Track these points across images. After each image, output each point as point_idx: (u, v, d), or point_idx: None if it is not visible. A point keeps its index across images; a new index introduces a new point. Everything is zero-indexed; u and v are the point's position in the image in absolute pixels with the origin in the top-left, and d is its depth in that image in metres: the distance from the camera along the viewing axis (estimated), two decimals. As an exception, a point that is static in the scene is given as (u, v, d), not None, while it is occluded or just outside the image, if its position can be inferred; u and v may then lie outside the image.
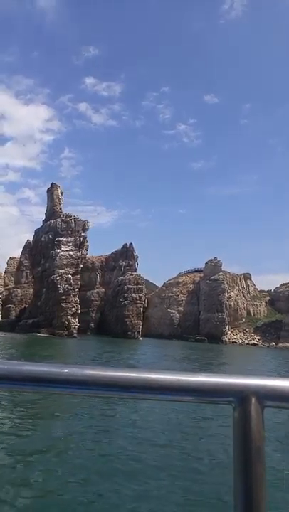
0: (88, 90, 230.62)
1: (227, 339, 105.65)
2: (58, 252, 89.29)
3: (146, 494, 7.63)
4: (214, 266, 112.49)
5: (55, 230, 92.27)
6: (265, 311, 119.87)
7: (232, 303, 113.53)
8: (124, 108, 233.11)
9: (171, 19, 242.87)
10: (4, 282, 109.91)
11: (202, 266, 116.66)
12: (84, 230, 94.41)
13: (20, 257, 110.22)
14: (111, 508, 7.11)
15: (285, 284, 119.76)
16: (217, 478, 8.45)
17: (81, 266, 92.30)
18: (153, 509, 7.15)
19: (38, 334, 79.21)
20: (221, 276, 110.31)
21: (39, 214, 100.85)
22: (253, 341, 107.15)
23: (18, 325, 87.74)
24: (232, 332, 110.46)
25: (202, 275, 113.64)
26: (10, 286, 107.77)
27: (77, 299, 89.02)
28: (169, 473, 8.79)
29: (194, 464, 9.49)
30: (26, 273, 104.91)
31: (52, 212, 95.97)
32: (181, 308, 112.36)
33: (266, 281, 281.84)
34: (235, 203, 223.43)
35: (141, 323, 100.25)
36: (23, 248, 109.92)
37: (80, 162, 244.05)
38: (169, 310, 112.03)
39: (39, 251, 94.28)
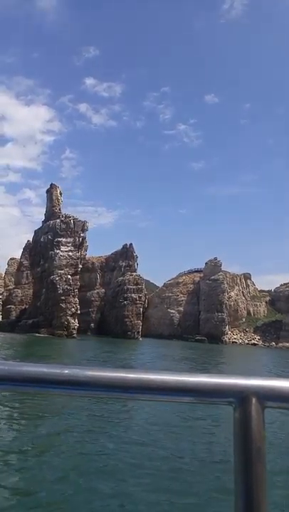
0: (89, 91, 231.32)
1: (227, 339, 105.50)
2: (57, 253, 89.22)
3: (147, 494, 7.55)
4: (214, 266, 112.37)
5: (55, 230, 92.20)
6: (265, 311, 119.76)
7: (232, 303, 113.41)
8: (125, 108, 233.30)
9: (172, 19, 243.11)
10: (5, 283, 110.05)
11: (202, 266, 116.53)
12: (83, 230, 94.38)
13: (21, 258, 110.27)
14: (114, 506, 7.06)
15: (285, 284, 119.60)
16: (217, 478, 8.37)
17: (80, 266, 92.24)
18: (154, 510, 7.08)
19: (38, 334, 79.07)
20: (221, 276, 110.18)
21: (40, 215, 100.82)
22: (253, 341, 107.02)
23: (17, 325, 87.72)
24: (232, 332, 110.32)
25: (202, 275, 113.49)
26: (10, 287, 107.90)
27: (76, 299, 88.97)
28: (169, 473, 8.72)
29: (194, 465, 9.41)
30: (26, 273, 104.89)
31: (51, 213, 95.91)
32: (181, 309, 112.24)
33: (266, 281, 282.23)
34: (236, 203, 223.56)
35: (141, 324, 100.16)
36: (24, 249, 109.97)
37: (81, 163, 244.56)
38: (169, 310, 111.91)
39: (38, 251, 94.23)
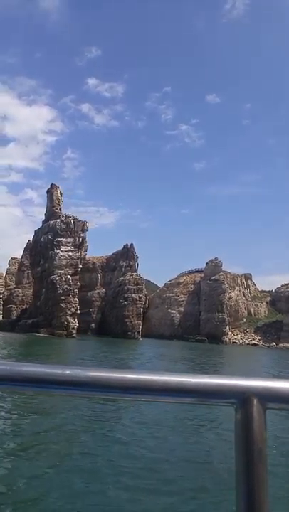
0: (91, 91, 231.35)
1: (227, 339, 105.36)
2: (58, 253, 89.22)
3: (147, 495, 7.49)
4: (215, 266, 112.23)
5: (55, 230, 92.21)
6: (266, 312, 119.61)
7: (232, 303, 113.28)
8: (127, 109, 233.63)
9: (173, 19, 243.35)
10: (6, 282, 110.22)
11: (203, 266, 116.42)
12: (83, 230, 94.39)
13: (22, 258, 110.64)
14: (117, 509, 7.04)
15: (285, 285, 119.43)
16: (219, 479, 8.29)
17: (80, 266, 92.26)
18: (155, 510, 7.04)
19: (38, 334, 79.16)
20: (221, 277, 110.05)
21: (42, 215, 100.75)
22: (253, 341, 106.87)
23: (18, 325, 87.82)
24: (232, 332, 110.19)
25: (203, 275, 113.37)
26: (11, 287, 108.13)
27: (76, 299, 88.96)
28: (170, 473, 8.66)
29: (196, 466, 9.35)
30: (27, 273, 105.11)
31: (51, 213, 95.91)
32: (181, 309, 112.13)
33: (267, 282, 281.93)
34: (236, 203, 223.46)
35: (141, 324, 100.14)
36: (24, 249, 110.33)
37: (83, 163, 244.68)
38: (169, 310, 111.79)
39: (38, 251, 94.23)
